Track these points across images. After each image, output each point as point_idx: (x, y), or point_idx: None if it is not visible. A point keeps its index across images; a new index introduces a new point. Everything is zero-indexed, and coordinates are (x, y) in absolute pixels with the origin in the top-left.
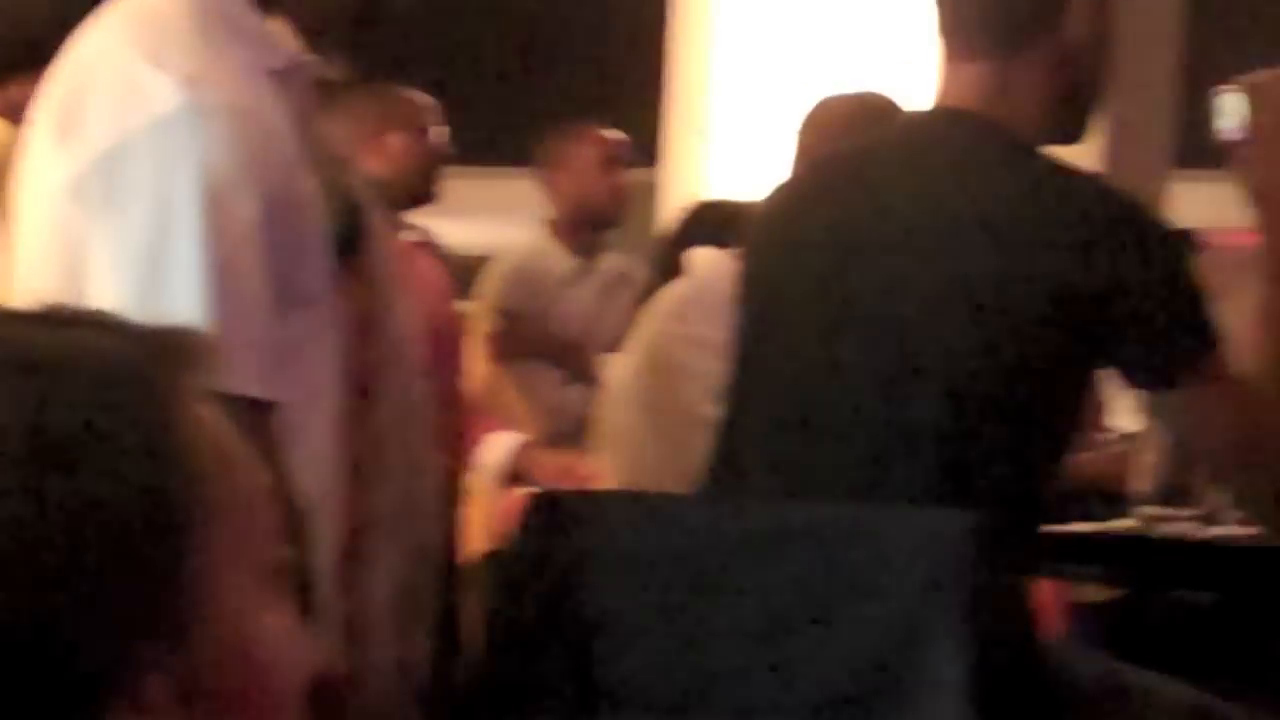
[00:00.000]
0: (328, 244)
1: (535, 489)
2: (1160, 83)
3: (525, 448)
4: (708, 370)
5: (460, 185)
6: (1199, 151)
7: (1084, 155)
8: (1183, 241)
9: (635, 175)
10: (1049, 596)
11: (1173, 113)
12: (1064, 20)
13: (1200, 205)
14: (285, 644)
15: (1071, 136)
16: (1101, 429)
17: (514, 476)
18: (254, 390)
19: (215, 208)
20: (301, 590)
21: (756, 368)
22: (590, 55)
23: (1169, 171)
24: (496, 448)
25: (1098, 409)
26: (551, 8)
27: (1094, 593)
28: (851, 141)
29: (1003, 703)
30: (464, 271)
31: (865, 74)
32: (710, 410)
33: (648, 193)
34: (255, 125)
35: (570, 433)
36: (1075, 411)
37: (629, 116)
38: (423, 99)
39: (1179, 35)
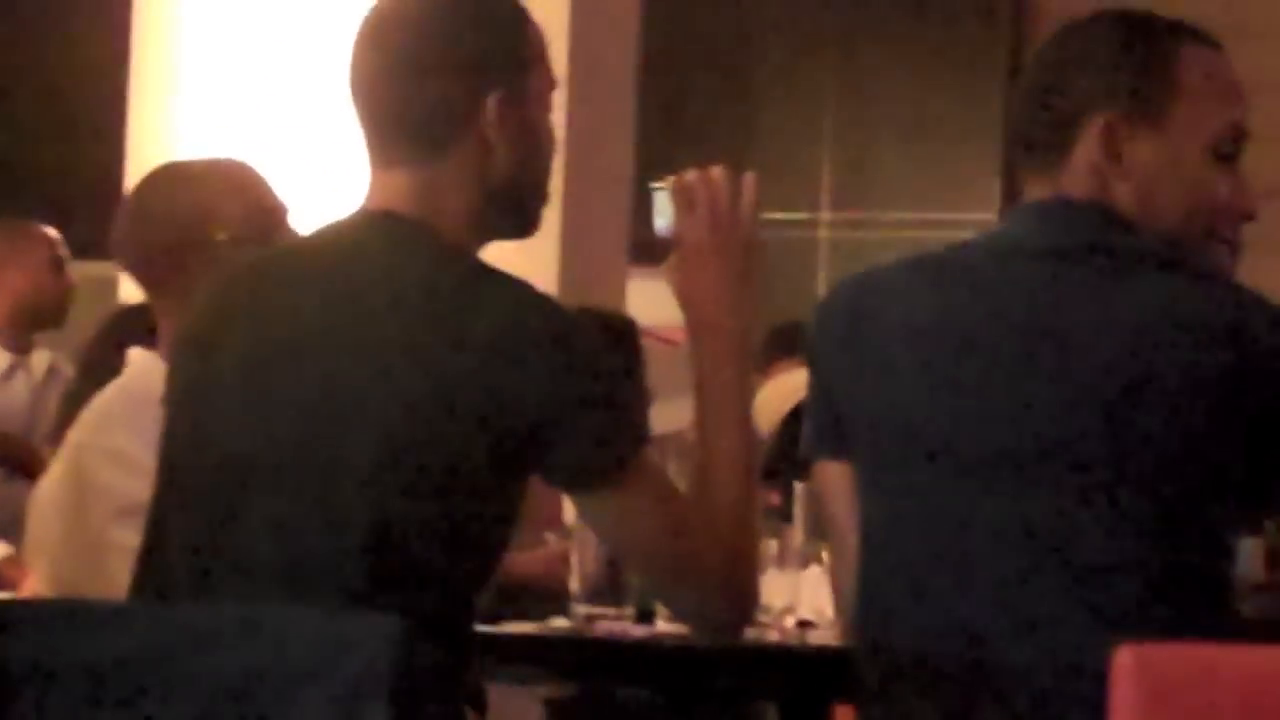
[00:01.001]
0: None
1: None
2: (615, 178)
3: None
4: (121, 487)
5: None
6: (653, 248)
7: (541, 251)
8: (611, 342)
9: (95, 270)
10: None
11: (629, 208)
12: (477, 121)
13: (658, 302)
14: None
15: (518, 232)
16: (556, 526)
17: None
18: None
19: None
20: None
21: (177, 480)
22: (48, 146)
23: (626, 267)
24: None
25: (555, 504)
26: (6, 98)
27: (547, 690)
28: (279, 243)
29: None
30: None
31: (331, 172)
32: (119, 530)
33: (109, 288)
34: None
35: (15, 528)
36: (509, 513)
37: (91, 210)
38: None
39: (632, 129)
